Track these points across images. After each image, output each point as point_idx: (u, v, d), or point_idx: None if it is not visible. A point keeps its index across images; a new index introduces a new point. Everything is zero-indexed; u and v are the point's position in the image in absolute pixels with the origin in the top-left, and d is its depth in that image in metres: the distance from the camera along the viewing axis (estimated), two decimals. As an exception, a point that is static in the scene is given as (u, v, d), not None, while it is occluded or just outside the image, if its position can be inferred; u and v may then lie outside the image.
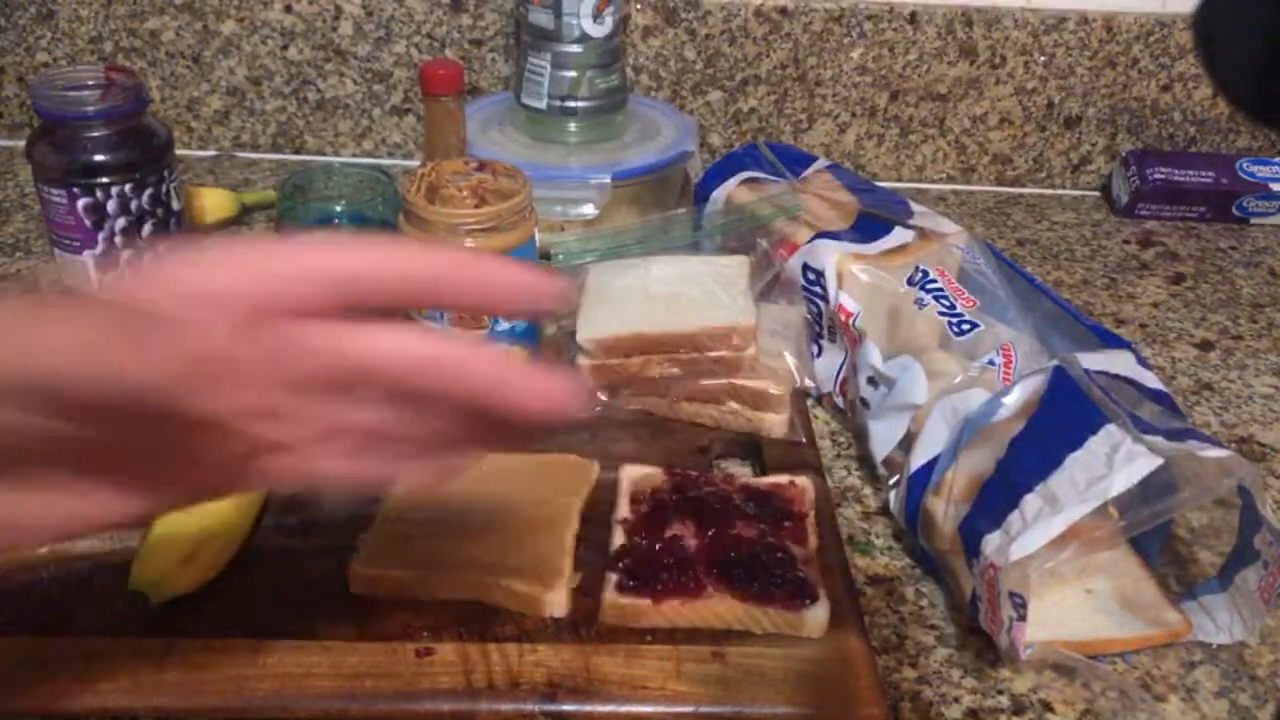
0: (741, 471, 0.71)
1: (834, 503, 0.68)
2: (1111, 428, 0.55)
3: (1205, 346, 0.89)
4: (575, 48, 0.93)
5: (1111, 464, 0.53)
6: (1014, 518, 0.54)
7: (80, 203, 0.77)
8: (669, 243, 0.80)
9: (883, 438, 0.68)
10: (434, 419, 0.37)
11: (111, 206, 0.78)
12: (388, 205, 0.81)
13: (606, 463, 0.67)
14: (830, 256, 0.75)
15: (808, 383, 0.76)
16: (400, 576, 0.57)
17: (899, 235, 0.77)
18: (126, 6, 1.05)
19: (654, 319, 0.70)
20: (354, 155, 1.13)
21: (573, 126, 0.96)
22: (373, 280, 0.35)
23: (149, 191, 0.79)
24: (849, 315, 0.72)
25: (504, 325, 0.71)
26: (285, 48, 1.07)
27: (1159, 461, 0.53)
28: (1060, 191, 1.16)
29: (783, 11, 1.06)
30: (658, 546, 0.59)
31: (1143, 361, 0.65)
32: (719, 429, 0.72)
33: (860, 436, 0.72)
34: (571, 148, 0.96)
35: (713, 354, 0.70)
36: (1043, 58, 1.08)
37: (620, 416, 0.73)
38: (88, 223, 0.78)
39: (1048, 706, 0.56)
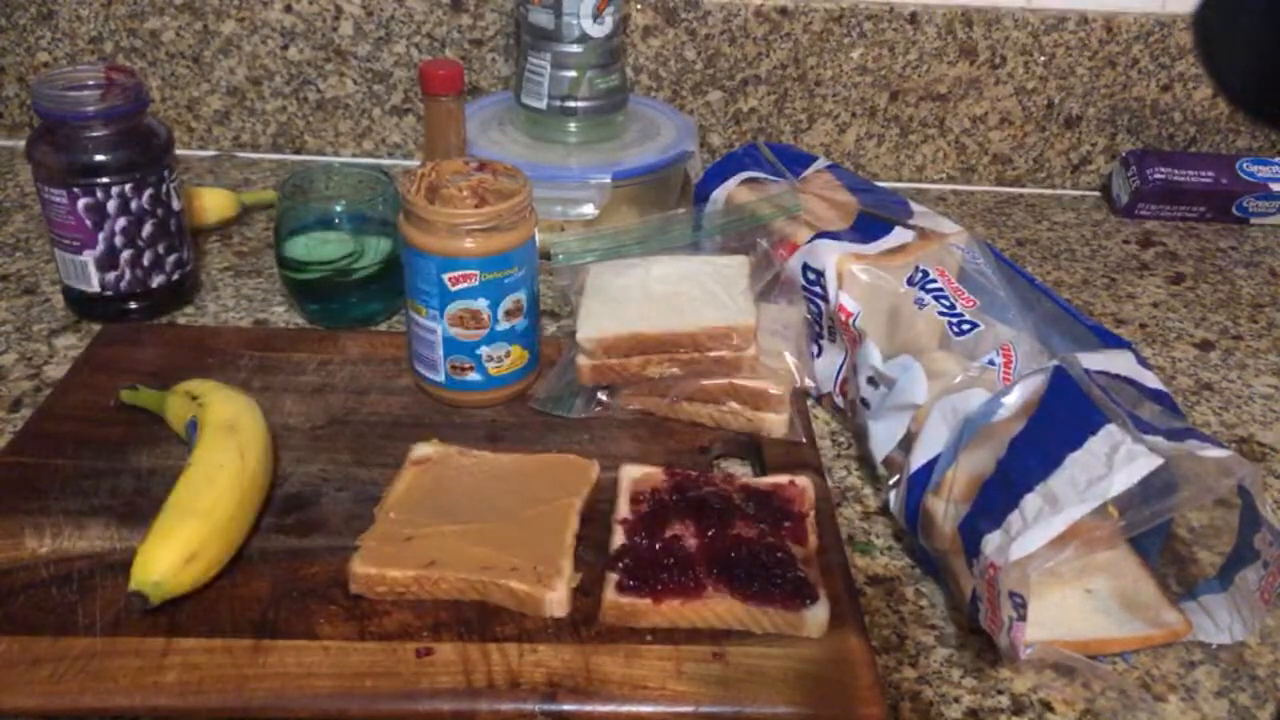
0: (741, 471, 0.71)
1: (834, 503, 0.68)
2: (1111, 428, 0.55)
3: (1205, 346, 0.89)
4: (575, 48, 0.93)
5: (1111, 464, 0.53)
6: (1014, 518, 0.54)
7: (80, 203, 0.77)
8: (669, 243, 0.80)
9: (883, 438, 0.68)
10: None
11: (111, 206, 0.78)
12: (388, 205, 0.81)
13: (606, 463, 0.67)
14: (830, 256, 0.75)
15: (808, 383, 0.76)
16: (400, 576, 0.57)
17: (899, 235, 0.77)
18: (126, 6, 1.05)
19: (654, 319, 0.70)
20: (354, 155, 1.14)
21: (573, 126, 0.96)
22: None
23: (149, 191, 0.79)
24: (849, 315, 0.72)
25: (503, 325, 0.71)
26: (285, 48, 1.08)
27: (1159, 461, 0.53)
28: (1060, 191, 1.16)
29: (783, 11, 1.06)
30: (658, 546, 0.59)
31: (1143, 361, 0.65)
32: (719, 429, 0.72)
33: (860, 436, 0.72)
34: (571, 148, 0.96)
35: (713, 354, 0.70)
36: (1043, 58, 1.08)
37: (620, 416, 0.73)
38: (88, 223, 0.78)
39: (1048, 706, 0.56)
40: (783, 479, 0.65)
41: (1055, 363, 0.61)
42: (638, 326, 0.70)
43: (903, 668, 0.58)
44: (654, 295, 0.73)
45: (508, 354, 0.72)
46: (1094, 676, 0.57)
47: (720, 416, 0.72)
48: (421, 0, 1.06)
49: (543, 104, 0.95)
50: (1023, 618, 0.52)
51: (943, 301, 0.71)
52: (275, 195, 0.82)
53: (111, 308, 0.82)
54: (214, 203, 0.96)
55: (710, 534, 0.60)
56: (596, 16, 0.92)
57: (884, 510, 0.68)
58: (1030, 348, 0.67)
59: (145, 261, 0.81)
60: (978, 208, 1.11)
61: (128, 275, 0.81)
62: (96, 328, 0.81)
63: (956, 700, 0.56)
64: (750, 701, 0.53)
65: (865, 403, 0.71)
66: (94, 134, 0.76)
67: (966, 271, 0.75)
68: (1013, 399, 0.61)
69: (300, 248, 0.81)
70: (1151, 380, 0.64)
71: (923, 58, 1.08)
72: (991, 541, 0.54)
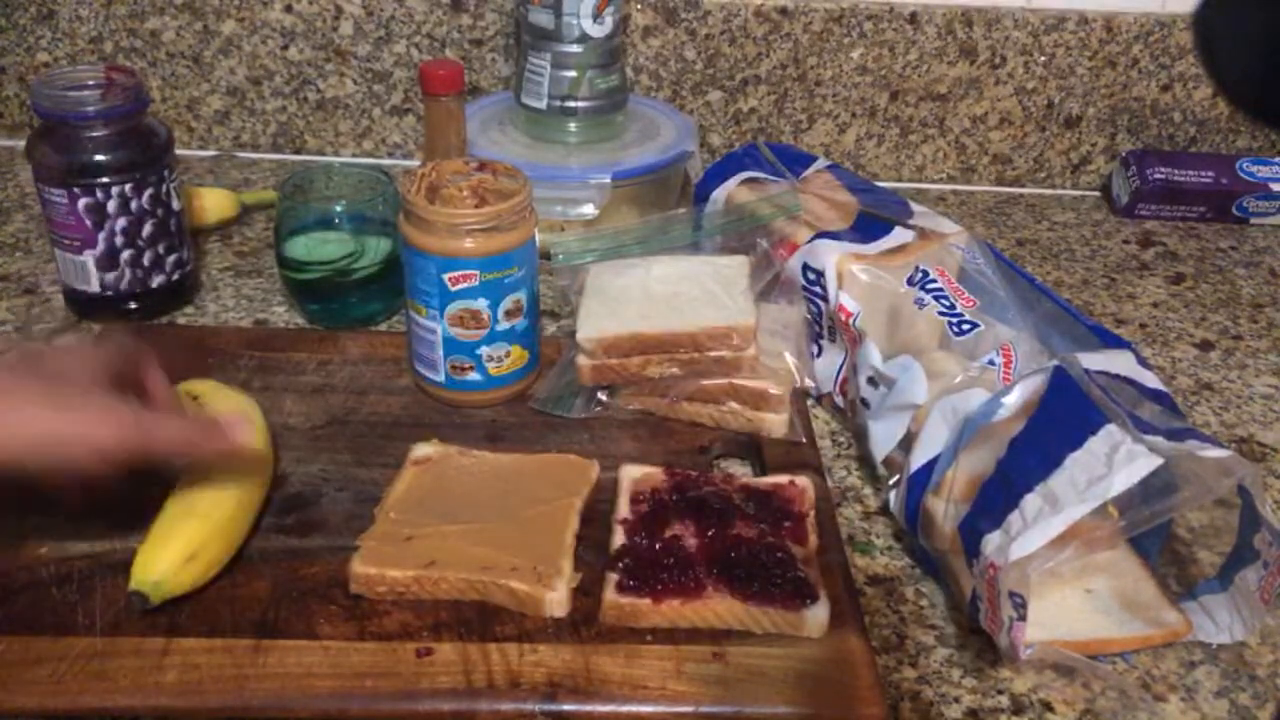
0: (741, 471, 0.71)
1: (834, 503, 0.68)
2: (1111, 428, 0.55)
3: (1205, 346, 0.89)
4: (575, 48, 0.93)
5: (1111, 464, 0.53)
6: (1014, 518, 0.54)
7: (80, 203, 0.77)
8: (669, 243, 0.80)
9: (883, 438, 0.68)
10: None
11: (111, 206, 0.78)
12: (388, 205, 0.81)
13: (606, 463, 0.67)
14: (830, 256, 0.75)
15: (808, 383, 0.76)
16: (400, 576, 0.57)
17: (899, 235, 0.77)
18: (126, 6, 1.05)
19: (654, 319, 0.70)
20: (354, 155, 1.14)
21: (573, 126, 0.96)
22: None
23: (149, 191, 0.79)
24: (849, 315, 0.72)
25: (503, 325, 0.71)
26: (285, 48, 1.07)
27: (1159, 461, 0.53)
28: (1060, 191, 1.16)
29: (783, 11, 1.06)
30: (658, 546, 0.59)
31: (1143, 361, 0.65)
32: (719, 429, 0.72)
33: (860, 436, 0.72)
34: (571, 148, 0.96)
35: (713, 354, 0.70)
36: (1043, 58, 1.08)
37: (620, 416, 0.73)
38: (88, 223, 0.78)
39: (1048, 706, 0.56)
40: (783, 479, 0.65)
41: (1055, 363, 0.61)
42: (638, 326, 0.70)
43: (903, 668, 0.58)
44: (654, 295, 0.73)
45: (508, 354, 0.72)
46: (1094, 676, 0.57)
47: (720, 416, 0.72)
48: (421, 0, 1.06)
49: (543, 104, 0.95)
50: (1023, 618, 0.52)
51: (943, 301, 0.71)
52: (275, 195, 0.82)
53: (111, 308, 0.82)
54: (214, 203, 0.96)
55: (710, 534, 0.60)
56: (596, 16, 0.92)
57: (884, 510, 0.68)
58: (1030, 348, 0.67)
59: (145, 261, 0.81)
60: (978, 208, 1.11)
61: (128, 275, 0.81)
62: (97, 328, 0.81)
63: (956, 700, 0.56)
64: (750, 701, 0.53)
65: (865, 403, 0.71)
66: (94, 134, 0.76)
67: (966, 271, 0.75)
68: (1013, 399, 0.61)
69: (300, 248, 0.81)
70: (1151, 380, 0.64)
71: (923, 58, 1.08)
72: (991, 541, 0.54)
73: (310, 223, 0.81)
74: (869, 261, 0.74)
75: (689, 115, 1.08)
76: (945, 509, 0.61)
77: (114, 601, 0.56)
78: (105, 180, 0.77)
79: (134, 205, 0.79)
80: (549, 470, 0.66)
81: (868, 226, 0.78)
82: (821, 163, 0.89)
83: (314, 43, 1.07)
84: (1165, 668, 0.58)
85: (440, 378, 0.72)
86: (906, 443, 0.66)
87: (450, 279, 0.68)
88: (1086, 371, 0.60)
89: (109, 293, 0.81)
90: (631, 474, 0.65)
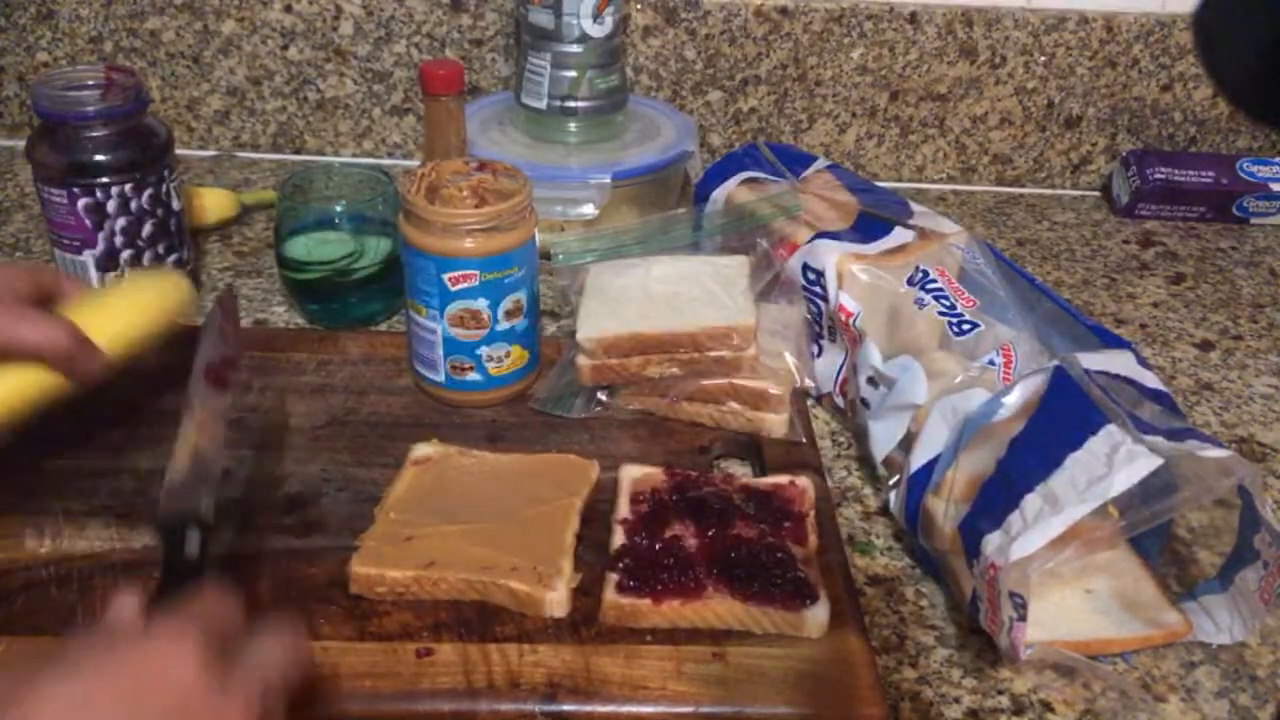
0: (741, 471, 0.71)
1: (834, 503, 0.68)
2: (1111, 428, 0.55)
3: (1205, 346, 0.89)
4: (575, 48, 0.93)
5: (1111, 464, 0.53)
6: (1014, 518, 0.54)
7: (80, 203, 0.77)
8: (669, 243, 0.80)
9: (883, 438, 0.68)
10: None
11: (111, 206, 0.78)
12: (388, 205, 0.81)
13: (606, 463, 0.67)
14: (830, 256, 0.75)
15: (808, 383, 0.76)
16: (400, 577, 0.57)
17: (899, 235, 0.77)
18: (126, 6, 1.05)
19: (654, 319, 0.70)
20: (354, 155, 1.13)
21: (573, 126, 0.96)
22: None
23: (149, 191, 0.79)
24: (849, 315, 0.72)
25: (503, 325, 0.71)
26: (285, 48, 1.07)
27: (1159, 461, 0.53)
28: (1060, 191, 1.16)
29: (783, 11, 1.06)
30: (658, 546, 0.59)
31: (1143, 361, 0.65)
32: (719, 429, 0.72)
33: (860, 436, 0.72)
34: (571, 148, 0.96)
35: (713, 354, 0.70)
36: (1043, 58, 1.08)
37: (620, 416, 0.73)
38: (88, 223, 0.78)
39: (1048, 706, 0.56)
40: (783, 479, 0.65)
41: (1055, 363, 0.61)
42: (638, 326, 0.70)
43: (903, 668, 0.58)
44: (654, 295, 0.73)
45: (508, 354, 0.72)
46: (1094, 677, 0.57)
47: (720, 416, 0.72)
48: (421, 0, 1.06)
49: (543, 104, 0.95)
50: (1023, 618, 0.52)
51: (943, 301, 0.71)
52: (275, 195, 0.82)
53: (111, 308, 0.82)
54: (214, 203, 0.96)
55: (710, 534, 0.60)
56: (596, 16, 0.92)
57: (884, 510, 0.68)
58: (1030, 348, 0.67)
59: (145, 261, 0.81)
60: (978, 208, 1.11)
61: (128, 275, 0.81)
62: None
63: (956, 700, 0.56)
64: (750, 702, 0.53)
65: (865, 403, 0.71)
66: (94, 134, 0.76)
67: (966, 271, 0.75)
68: (1013, 399, 0.61)
69: (300, 248, 0.81)
70: (1151, 380, 0.64)
71: (923, 58, 1.08)
72: (991, 542, 0.54)
73: (310, 223, 0.81)
74: (869, 261, 0.74)
75: (689, 115, 1.08)
76: (945, 509, 0.61)
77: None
78: (105, 180, 0.77)
79: (134, 205, 0.79)
80: (549, 470, 0.66)
81: (868, 226, 0.78)
82: (821, 163, 0.89)
83: (314, 43, 1.07)
84: (1165, 668, 0.58)
85: (440, 378, 0.72)
86: (906, 443, 0.66)
87: (450, 279, 0.68)
88: (1086, 371, 0.60)
89: (109, 293, 0.81)
90: (631, 474, 0.65)
